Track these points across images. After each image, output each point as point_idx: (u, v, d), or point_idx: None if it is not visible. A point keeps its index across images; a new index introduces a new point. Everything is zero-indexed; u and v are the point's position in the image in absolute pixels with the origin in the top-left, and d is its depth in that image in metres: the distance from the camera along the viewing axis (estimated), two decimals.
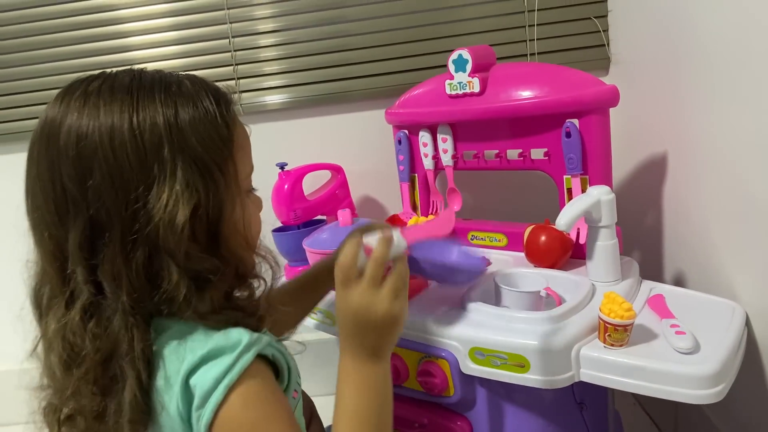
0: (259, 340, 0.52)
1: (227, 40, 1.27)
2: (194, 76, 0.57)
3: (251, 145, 0.60)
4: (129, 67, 0.55)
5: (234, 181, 0.55)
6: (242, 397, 0.49)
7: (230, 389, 0.49)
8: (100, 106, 0.50)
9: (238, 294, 0.57)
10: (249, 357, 0.50)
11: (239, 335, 0.51)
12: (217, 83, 0.58)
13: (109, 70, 0.55)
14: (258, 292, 0.60)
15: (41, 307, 0.54)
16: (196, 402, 0.49)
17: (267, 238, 1.06)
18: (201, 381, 0.49)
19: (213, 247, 0.54)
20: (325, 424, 0.92)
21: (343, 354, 0.59)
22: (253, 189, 0.62)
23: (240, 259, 0.56)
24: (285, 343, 0.64)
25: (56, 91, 0.53)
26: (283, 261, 1.11)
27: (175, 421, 0.50)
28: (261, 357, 0.53)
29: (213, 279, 0.52)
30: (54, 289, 0.52)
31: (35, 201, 0.52)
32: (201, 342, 0.51)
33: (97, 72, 0.54)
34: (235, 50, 1.27)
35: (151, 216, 0.49)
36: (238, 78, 1.28)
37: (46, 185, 0.50)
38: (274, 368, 0.56)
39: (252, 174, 0.61)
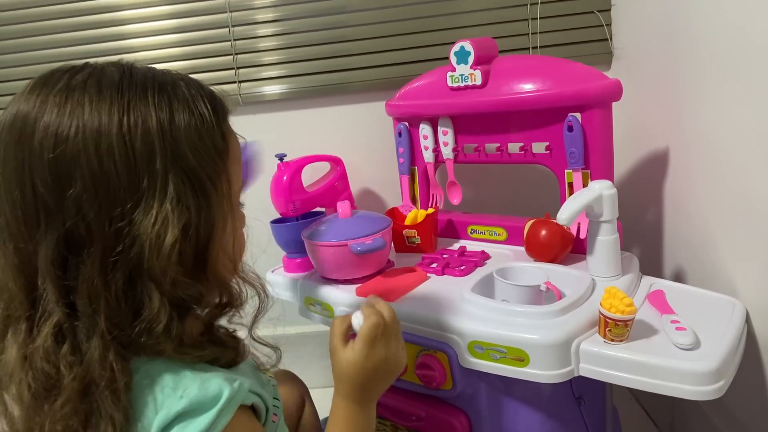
0: (239, 391, 0.47)
1: (227, 30, 1.26)
2: (188, 77, 0.51)
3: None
4: (117, 59, 0.49)
5: (227, 198, 0.50)
6: None
7: None
8: (85, 104, 0.44)
9: (219, 326, 0.53)
10: (230, 415, 0.45)
11: (219, 388, 0.45)
12: (212, 87, 0.53)
13: (94, 61, 0.48)
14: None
15: None
16: None
17: (262, 234, 1.06)
18: None
19: (198, 271, 0.48)
20: (321, 416, 0.92)
21: (338, 399, 0.61)
22: (240, 205, 0.57)
23: (225, 284, 0.51)
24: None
25: None
26: (261, 269, 1.10)
27: None
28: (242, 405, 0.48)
29: (195, 308, 0.47)
30: (14, 309, 0.45)
31: None
32: (176, 393, 0.45)
33: (81, 62, 0.48)
34: (235, 40, 1.26)
35: (136, 235, 0.44)
36: (238, 68, 1.27)
37: (13, 189, 0.44)
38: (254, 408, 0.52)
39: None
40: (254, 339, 0.56)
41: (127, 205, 0.44)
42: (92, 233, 0.44)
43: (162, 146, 0.45)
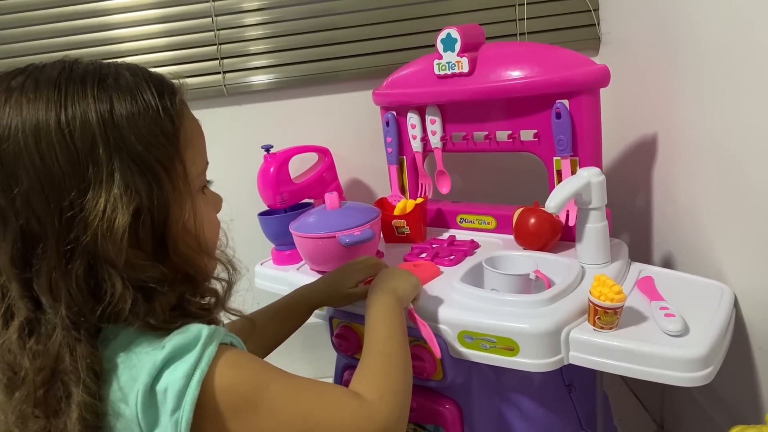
0: (217, 330, 0.49)
1: (210, 19, 1.23)
2: (136, 66, 0.52)
3: (205, 139, 0.56)
4: (62, 56, 0.50)
5: (182, 181, 0.51)
6: (225, 369, 0.47)
7: (204, 382, 0.46)
8: (23, 103, 0.45)
9: (191, 300, 0.53)
10: (213, 348, 0.47)
11: (198, 329, 0.48)
12: (160, 72, 0.53)
13: (37, 63, 0.49)
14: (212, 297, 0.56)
15: None
16: (170, 405, 0.45)
17: (247, 227, 1.05)
18: (170, 382, 0.45)
19: (160, 253, 0.50)
20: None
21: (377, 294, 0.69)
22: (207, 185, 0.57)
23: (192, 264, 0.52)
24: None
25: None
26: (249, 261, 1.09)
27: (133, 426, 0.46)
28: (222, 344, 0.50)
29: (160, 288, 0.48)
30: None
31: None
32: (157, 345, 0.47)
33: (23, 66, 0.49)
34: (218, 29, 1.24)
35: (87, 223, 0.45)
36: (222, 58, 1.25)
37: None
38: None
39: (206, 169, 0.57)
40: (226, 310, 0.57)
41: (74, 195, 0.45)
42: (45, 227, 0.45)
43: (104, 136, 0.46)
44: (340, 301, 0.81)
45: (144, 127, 0.48)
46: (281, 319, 0.80)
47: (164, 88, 0.51)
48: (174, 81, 0.53)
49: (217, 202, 0.60)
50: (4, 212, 0.45)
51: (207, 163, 0.56)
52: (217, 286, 0.56)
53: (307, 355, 1.35)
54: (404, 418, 0.58)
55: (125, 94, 0.48)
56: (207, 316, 0.53)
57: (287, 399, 0.50)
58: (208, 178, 0.57)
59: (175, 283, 0.50)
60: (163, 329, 0.48)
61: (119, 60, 0.52)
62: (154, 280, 0.48)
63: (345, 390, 0.55)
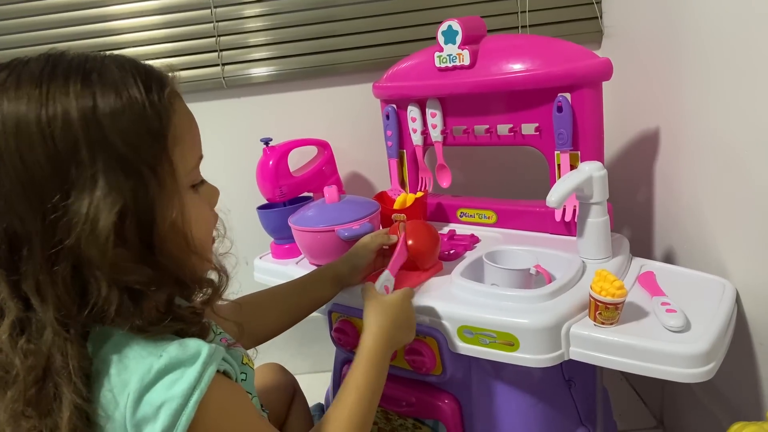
0: (217, 352, 0.49)
1: (209, 11, 1.22)
2: (124, 58, 0.50)
3: (198, 131, 0.54)
4: (47, 51, 0.48)
5: (170, 179, 0.49)
6: (216, 407, 0.47)
7: (201, 404, 0.45)
8: (3, 102, 0.44)
9: (180, 304, 0.52)
10: (213, 369, 0.47)
11: (198, 346, 0.47)
12: (150, 63, 0.51)
13: (22, 57, 0.48)
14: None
15: None
16: (163, 422, 0.44)
17: (246, 221, 1.04)
18: (166, 398, 0.45)
19: (148, 254, 0.48)
20: (310, 403, 0.92)
21: (368, 338, 0.67)
22: (200, 182, 0.55)
23: (181, 264, 0.50)
24: None
25: None
26: (248, 255, 1.09)
27: (121, 429, 0.46)
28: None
29: (148, 290, 0.48)
30: None
31: None
32: (153, 352, 0.46)
33: (8, 61, 0.48)
34: (217, 21, 1.23)
35: (71, 226, 0.44)
36: (221, 50, 1.24)
37: None
38: None
39: (200, 163, 0.54)
40: (214, 312, 0.57)
41: (57, 197, 0.44)
42: (28, 229, 0.44)
43: (86, 136, 0.44)
44: (359, 269, 0.82)
45: (129, 125, 0.46)
46: (302, 291, 0.81)
47: (152, 81, 0.49)
48: (166, 73, 0.51)
49: (212, 196, 0.58)
50: None
51: (200, 157, 0.54)
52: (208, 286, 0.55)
53: (306, 349, 1.35)
54: None
55: (110, 90, 0.46)
56: (197, 320, 0.52)
57: None
58: (206, 171, 0.56)
59: (163, 284, 0.49)
60: (152, 332, 0.47)
61: (108, 52, 0.50)
62: (140, 282, 0.47)
63: None
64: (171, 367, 0.46)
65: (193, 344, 0.48)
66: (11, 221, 0.44)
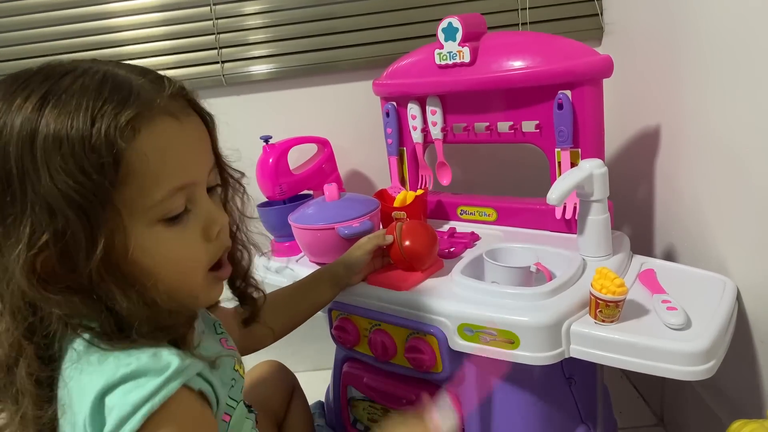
0: (189, 368, 0.46)
1: (209, 8, 1.22)
2: (110, 73, 0.46)
3: (186, 155, 0.49)
4: (49, 61, 0.47)
5: (114, 215, 0.45)
6: (169, 426, 0.44)
7: (148, 418, 0.43)
8: None
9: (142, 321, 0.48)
10: (174, 386, 0.44)
11: (169, 358, 0.45)
12: (153, 70, 0.49)
13: (31, 67, 0.46)
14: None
15: None
16: (110, 427, 0.42)
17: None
18: (118, 404, 0.43)
19: (83, 287, 0.46)
20: (310, 401, 0.92)
21: None
22: (183, 212, 0.49)
23: (122, 300, 0.46)
24: None
25: None
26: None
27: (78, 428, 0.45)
28: (187, 387, 0.46)
29: (70, 322, 0.46)
30: None
31: None
32: (127, 359, 0.45)
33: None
34: (217, 18, 1.22)
35: (6, 266, 0.44)
36: (221, 47, 1.24)
37: None
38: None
39: (185, 191, 0.49)
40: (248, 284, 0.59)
41: None
42: None
43: (19, 165, 0.43)
44: (355, 270, 0.83)
45: (69, 156, 0.42)
46: (301, 295, 0.81)
47: (108, 107, 0.44)
48: (152, 89, 0.47)
49: (208, 227, 0.52)
50: None
51: (179, 187, 0.48)
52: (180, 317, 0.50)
53: (306, 346, 1.34)
54: None
55: (55, 117, 0.43)
56: (166, 336, 0.48)
57: None
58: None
59: (105, 317, 0.46)
60: (113, 348, 0.46)
61: (105, 68, 0.47)
62: (67, 315, 0.46)
63: None
64: (136, 374, 0.44)
65: (166, 356, 0.45)
66: None
